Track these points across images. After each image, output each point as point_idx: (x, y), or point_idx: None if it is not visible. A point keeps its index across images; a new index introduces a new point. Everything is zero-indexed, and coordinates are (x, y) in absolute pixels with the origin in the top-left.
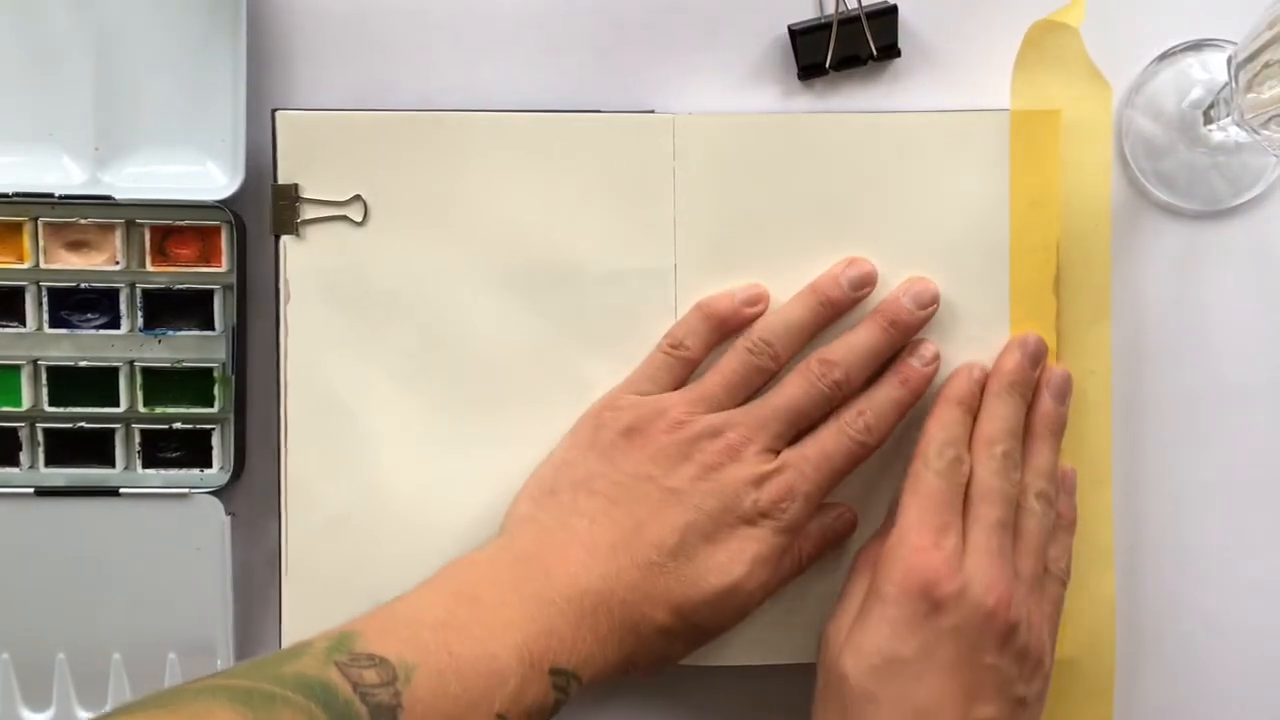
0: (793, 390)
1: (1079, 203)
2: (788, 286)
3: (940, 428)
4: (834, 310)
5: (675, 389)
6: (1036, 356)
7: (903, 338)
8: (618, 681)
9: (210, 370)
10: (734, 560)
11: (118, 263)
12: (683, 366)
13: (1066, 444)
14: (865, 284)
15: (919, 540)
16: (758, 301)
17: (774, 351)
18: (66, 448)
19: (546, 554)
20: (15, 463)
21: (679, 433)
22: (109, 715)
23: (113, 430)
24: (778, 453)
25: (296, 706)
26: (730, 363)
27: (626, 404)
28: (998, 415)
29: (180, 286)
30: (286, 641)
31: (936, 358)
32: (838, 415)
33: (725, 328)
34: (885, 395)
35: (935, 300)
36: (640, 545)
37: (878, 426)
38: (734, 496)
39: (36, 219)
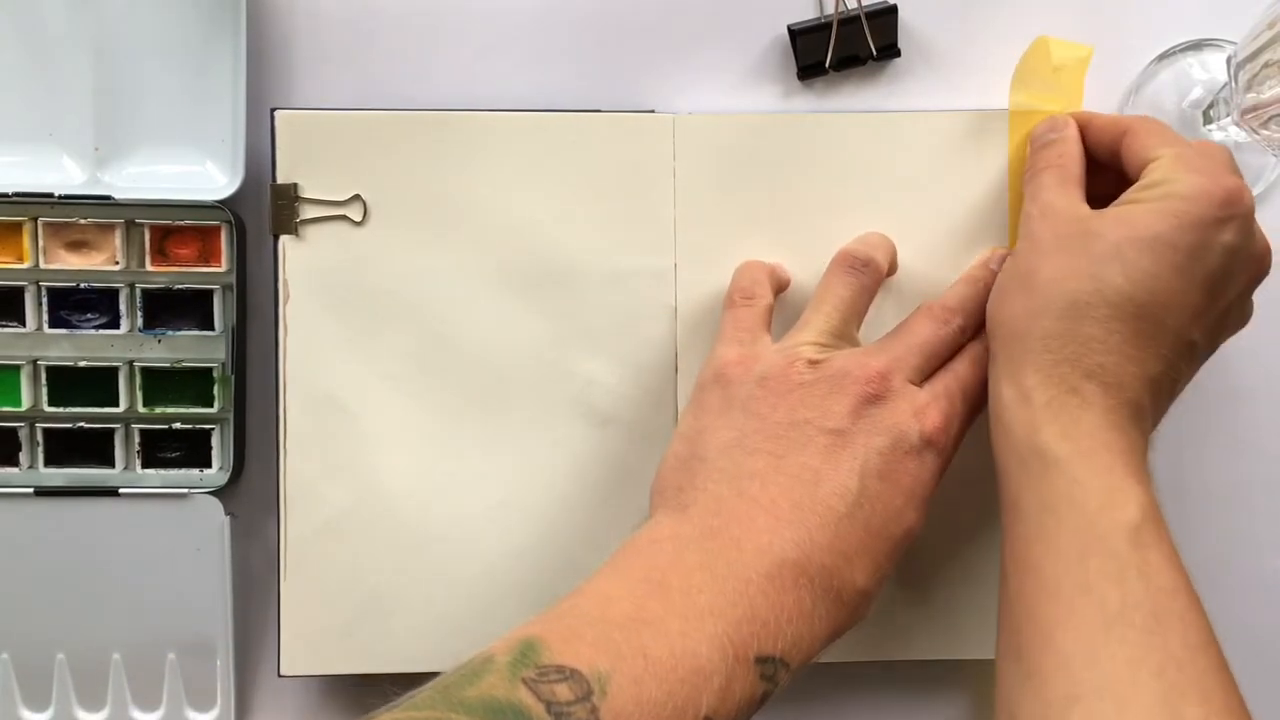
0: (925, 330)
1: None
2: (789, 286)
3: None
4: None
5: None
6: None
7: None
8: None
9: (210, 370)
10: (909, 503)
11: (117, 263)
12: (767, 313)
13: None
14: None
15: (1213, 165)
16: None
17: (873, 263)
18: (66, 448)
19: (731, 525)
20: (15, 463)
21: (821, 370)
22: None
23: (112, 430)
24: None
25: None
26: (840, 290)
27: (748, 356)
28: None
29: (180, 286)
30: (286, 641)
31: None
32: (966, 350)
33: (776, 277)
34: None
35: None
36: (823, 498)
37: None
38: (900, 430)
39: (36, 219)
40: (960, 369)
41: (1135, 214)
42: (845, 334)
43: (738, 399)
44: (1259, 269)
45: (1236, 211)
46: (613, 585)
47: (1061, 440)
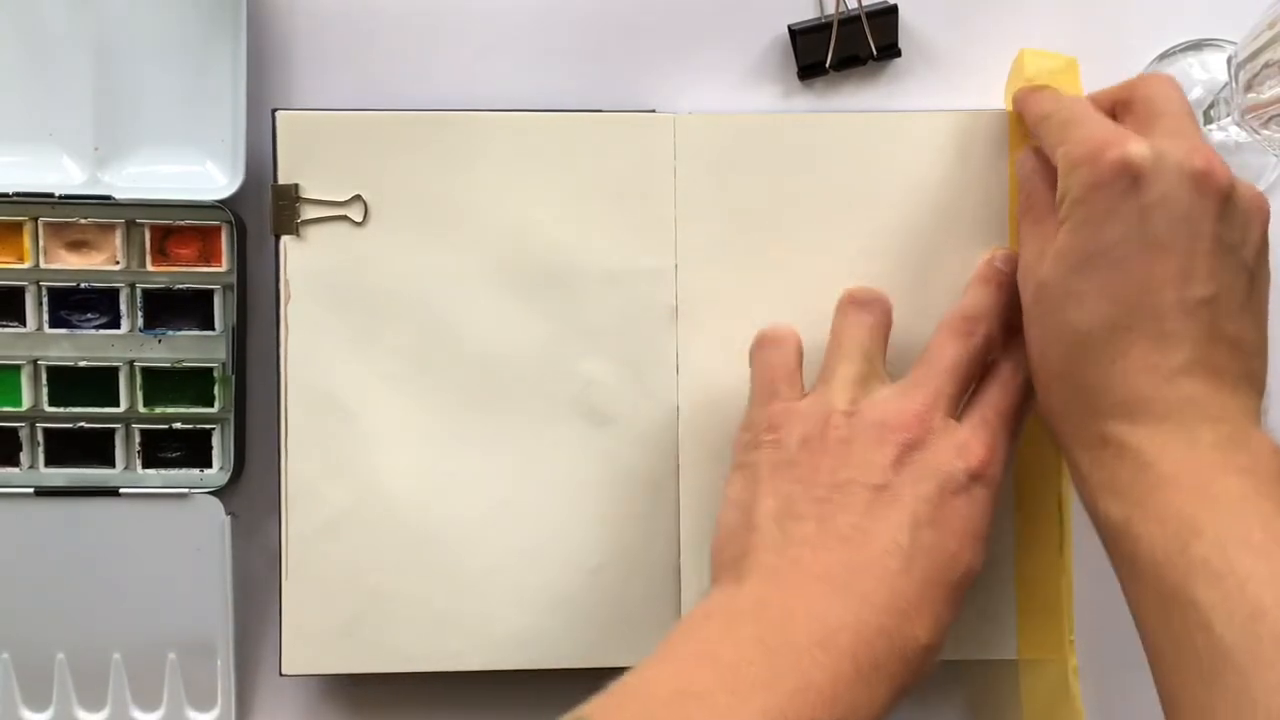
0: (952, 350)
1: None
2: (788, 286)
3: None
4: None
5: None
6: None
7: (1008, 298)
8: None
9: (210, 370)
10: (963, 545)
11: (118, 263)
12: (796, 354)
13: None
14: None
15: (1098, 128)
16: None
17: (879, 298)
18: (66, 448)
19: (783, 595)
20: (15, 463)
21: (857, 423)
22: None
23: (113, 430)
24: (957, 420)
25: None
26: (855, 330)
27: (783, 417)
28: None
29: (180, 286)
30: (287, 640)
31: None
32: (994, 375)
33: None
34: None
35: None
36: (876, 558)
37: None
38: (945, 472)
39: (36, 219)
40: (994, 395)
41: (1061, 244)
42: (873, 373)
43: (780, 464)
44: (1211, 185)
45: (1133, 174)
46: (663, 662)
47: (1114, 502)
